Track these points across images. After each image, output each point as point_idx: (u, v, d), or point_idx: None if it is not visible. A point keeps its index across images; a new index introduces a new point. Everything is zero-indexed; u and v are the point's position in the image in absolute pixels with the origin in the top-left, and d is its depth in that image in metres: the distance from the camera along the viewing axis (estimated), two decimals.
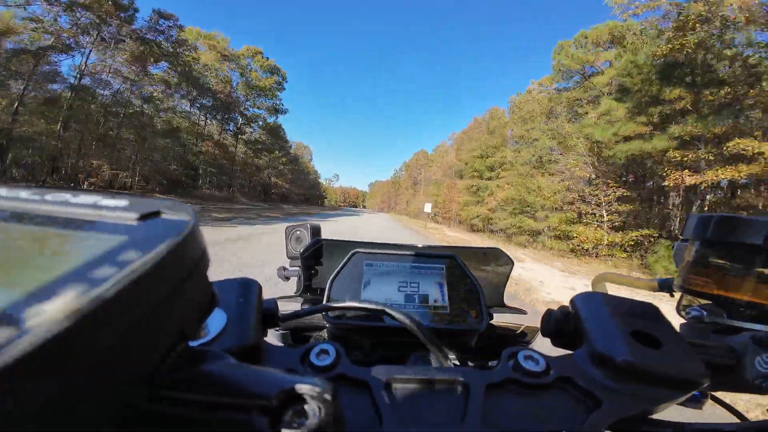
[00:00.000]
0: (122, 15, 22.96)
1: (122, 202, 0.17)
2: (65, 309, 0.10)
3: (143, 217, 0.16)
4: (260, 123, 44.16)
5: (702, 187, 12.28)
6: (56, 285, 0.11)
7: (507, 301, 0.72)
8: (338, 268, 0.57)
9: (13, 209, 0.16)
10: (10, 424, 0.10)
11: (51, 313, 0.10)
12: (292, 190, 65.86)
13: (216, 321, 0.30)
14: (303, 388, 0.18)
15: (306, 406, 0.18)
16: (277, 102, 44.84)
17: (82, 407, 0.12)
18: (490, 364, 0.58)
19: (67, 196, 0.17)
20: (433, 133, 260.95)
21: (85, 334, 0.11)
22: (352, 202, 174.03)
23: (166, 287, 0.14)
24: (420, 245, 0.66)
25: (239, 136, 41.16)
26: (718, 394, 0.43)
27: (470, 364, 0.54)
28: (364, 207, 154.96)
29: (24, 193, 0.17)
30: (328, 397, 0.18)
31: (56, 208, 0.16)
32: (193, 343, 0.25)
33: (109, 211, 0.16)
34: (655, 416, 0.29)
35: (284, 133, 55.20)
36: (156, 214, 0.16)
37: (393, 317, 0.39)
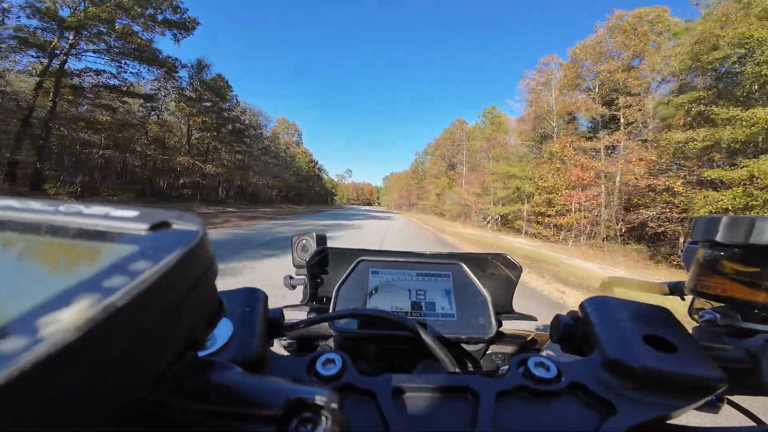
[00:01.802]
0: None
1: (132, 213, 0.17)
2: (79, 318, 0.11)
3: (153, 228, 0.16)
4: (112, 41, 18.27)
5: None
6: (70, 294, 0.12)
7: None
8: (344, 276, 0.57)
9: (28, 221, 0.16)
10: (20, 429, 0.10)
11: (65, 322, 0.11)
12: (253, 183, 41.14)
13: (222, 331, 0.30)
14: (309, 397, 0.18)
15: (312, 416, 0.18)
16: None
17: (90, 414, 0.12)
18: (499, 371, 0.57)
19: (80, 207, 0.17)
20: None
21: (97, 342, 0.11)
22: (366, 199, 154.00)
23: (175, 297, 0.14)
24: (426, 252, 0.65)
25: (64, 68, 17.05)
26: (735, 398, 0.43)
27: (480, 371, 0.53)
28: (379, 204, 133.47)
29: (37, 205, 0.17)
30: (334, 406, 0.18)
31: (70, 219, 0.16)
32: (200, 353, 0.25)
33: (120, 222, 0.16)
34: (670, 421, 0.29)
35: (223, 82, 31.12)
36: (165, 224, 0.16)
37: (399, 325, 0.39)
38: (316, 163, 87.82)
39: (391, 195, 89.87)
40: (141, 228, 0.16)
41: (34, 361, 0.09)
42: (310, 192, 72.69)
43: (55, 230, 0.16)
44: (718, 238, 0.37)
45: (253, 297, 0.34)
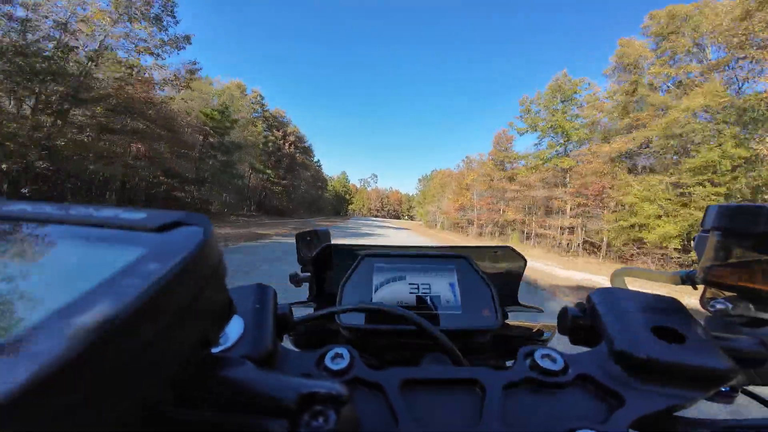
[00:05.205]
0: None
1: (141, 215, 0.17)
2: (98, 320, 0.11)
3: (162, 229, 0.16)
4: None
5: None
6: (87, 297, 0.12)
7: None
8: (348, 273, 0.58)
9: (42, 223, 0.17)
10: (44, 429, 0.10)
11: (86, 325, 0.11)
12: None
13: (234, 327, 0.30)
14: (319, 392, 0.19)
15: (323, 409, 0.18)
16: None
17: (110, 412, 0.12)
18: (506, 364, 0.57)
19: (90, 210, 0.18)
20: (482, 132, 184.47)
21: (115, 343, 0.12)
22: (393, 210, 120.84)
23: (187, 296, 0.15)
24: (430, 246, 0.66)
25: None
26: (750, 388, 0.42)
27: (486, 364, 0.53)
28: (410, 218, 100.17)
29: (50, 208, 0.18)
30: (344, 400, 0.19)
31: (82, 221, 0.17)
32: (213, 350, 0.26)
33: (130, 224, 0.17)
34: (681, 412, 0.28)
35: None
36: (174, 225, 0.17)
37: (405, 319, 0.40)
38: (305, 144, 51.44)
39: (432, 205, 50.03)
40: (150, 229, 0.16)
41: (61, 361, 0.10)
42: (290, 193, 40.22)
43: (68, 233, 0.16)
44: (730, 226, 0.36)
45: (263, 294, 0.34)
